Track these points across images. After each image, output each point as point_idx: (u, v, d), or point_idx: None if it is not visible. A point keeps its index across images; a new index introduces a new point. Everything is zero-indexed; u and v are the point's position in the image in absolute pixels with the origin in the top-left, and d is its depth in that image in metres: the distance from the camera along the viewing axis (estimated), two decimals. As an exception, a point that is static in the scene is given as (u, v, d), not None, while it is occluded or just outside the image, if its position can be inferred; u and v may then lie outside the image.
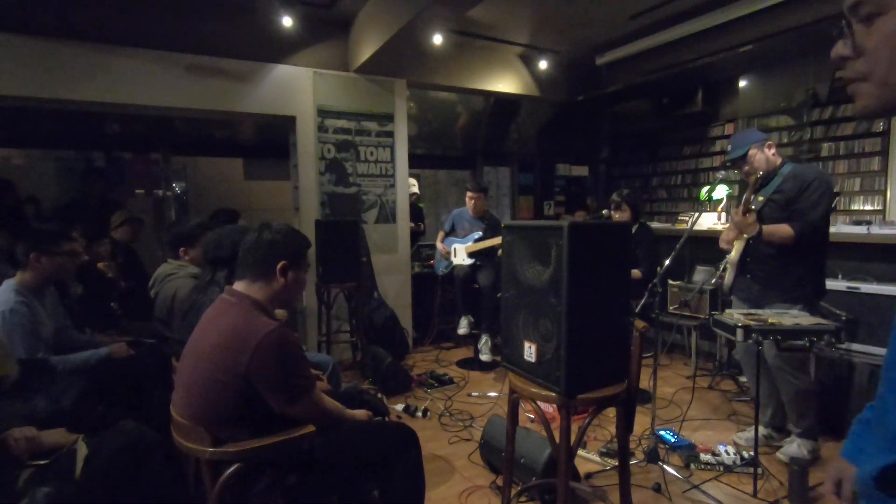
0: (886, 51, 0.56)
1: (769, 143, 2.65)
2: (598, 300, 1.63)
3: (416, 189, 5.60)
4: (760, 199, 2.63)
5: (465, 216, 4.45)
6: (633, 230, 3.54)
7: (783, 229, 2.50)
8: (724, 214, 5.15)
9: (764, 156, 2.64)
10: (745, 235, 2.61)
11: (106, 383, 2.32)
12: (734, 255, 2.71)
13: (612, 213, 3.62)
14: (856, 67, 0.59)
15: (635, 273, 3.48)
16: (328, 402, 1.73)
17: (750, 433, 2.82)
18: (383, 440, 1.79)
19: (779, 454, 2.64)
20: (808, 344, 2.22)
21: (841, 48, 0.60)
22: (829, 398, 2.85)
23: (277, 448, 1.53)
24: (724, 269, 2.81)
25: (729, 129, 5.50)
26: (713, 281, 2.91)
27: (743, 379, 3.77)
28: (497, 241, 4.03)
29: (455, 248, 4.36)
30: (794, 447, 2.60)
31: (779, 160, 2.65)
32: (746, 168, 2.68)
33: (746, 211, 2.57)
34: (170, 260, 2.77)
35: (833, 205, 2.56)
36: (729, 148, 2.77)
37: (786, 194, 2.54)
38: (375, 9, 3.88)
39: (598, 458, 2.68)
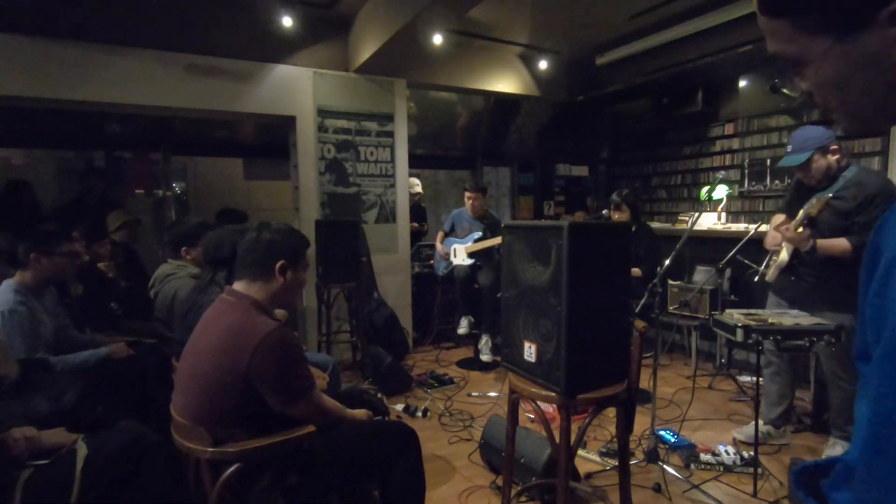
0: (833, 91, 0.58)
1: (834, 146, 2.40)
2: (597, 300, 1.63)
3: (419, 189, 5.60)
4: (815, 201, 2.42)
5: (465, 216, 4.44)
6: (633, 230, 3.54)
7: (840, 244, 2.33)
8: (724, 214, 5.15)
9: (826, 162, 2.40)
10: (799, 249, 2.46)
11: (106, 383, 2.32)
12: (784, 255, 2.58)
13: (612, 212, 3.62)
14: (818, 101, 0.60)
15: (635, 272, 3.48)
16: (328, 402, 1.73)
17: (749, 429, 2.84)
18: (383, 440, 1.79)
19: (822, 457, 2.60)
20: (807, 344, 2.22)
21: (801, 85, 0.61)
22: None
23: (277, 448, 1.53)
24: (767, 266, 2.71)
25: (729, 128, 5.50)
26: (756, 276, 2.80)
27: (744, 379, 3.77)
28: (497, 241, 4.03)
29: (455, 249, 4.36)
30: (838, 450, 2.58)
31: (843, 162, 2.44)
32: (804, 174, 2.47)
33: (800, 225, 2.42)
34: (170, 260, 2.77)
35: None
36: (788, 149, 2.50)
37: (847, 203, 2.37)
38: (375, 9, 3.88)
39: (598, 458, 2.68)
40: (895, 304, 0.47)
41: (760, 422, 2.83)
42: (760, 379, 2.61)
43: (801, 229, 2.42)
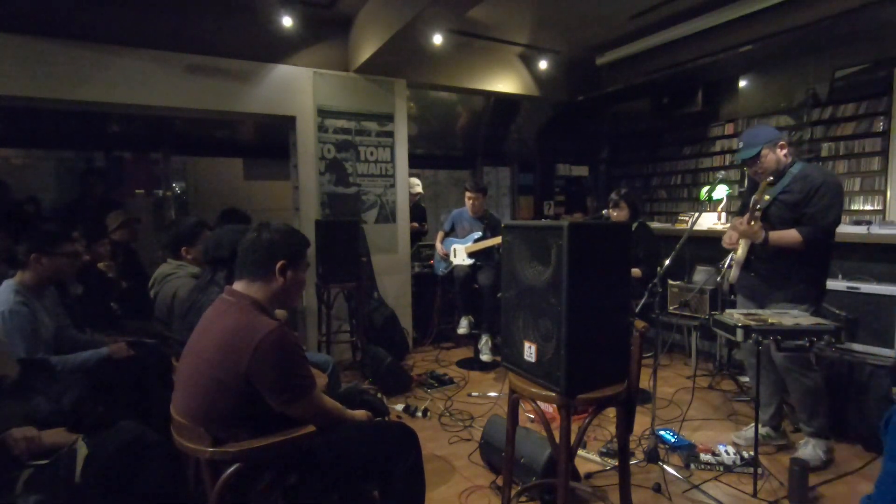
0: None
1: (781, 142, 2.59)
2: (597, 300, 1.63)
3: (419, 189, 5.61)
4: (767, 198, 2.58)
5: (465, 216, 4.44)
6: (633, 229, 3.54)
7: (791, 235, 2.47)
8: (724, 214, 5.15)
9: (775, 156, 2.57)
10: (752, 242, 2.58)
11: (106, 383, 2.32)
12: (740, 253, 2.69)
13: (611, 211, 3.62)
14: None
15: (635, 272, 3.48)
16: (328, 402, 1.73)
17: (748, 432, 2.83)
18: (383, 440, 1.79)
19: (795, 457, 2.59)
20: (807, 344, 2.22)
21: None
22: (829, 398, 2.85)
23: (277, 448, 1.53)
24: (729, 267, 2.80)
25: (729, 128, 5.51)
26: (718, 279, 2.89)
27: (744, 379, 3.77)
28: (497, 241, 4.03)
29: (455, 249, 4.36)
30: (809, 449, 2.59)
31: (789, 159, 2.60)
32: (755, 169, 2.63)
33: (752, 219, 2.53)
34: (169, 260, 2.77)
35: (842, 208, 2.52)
36: (740, 145, 2.69)
37: (794, 196, 2.51)
38: (375, 9, 3.88)
39: (598, 458, 2.68)
40: None
41: (760, 424, 2.85)
42: (745, 380, 2.61)
43: (753, 223, 2.52)
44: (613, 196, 3.63)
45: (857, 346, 2.97)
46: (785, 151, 2.59)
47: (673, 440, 2.80)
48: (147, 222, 5.21)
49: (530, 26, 4.56)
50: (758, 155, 2.58)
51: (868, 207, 4.56)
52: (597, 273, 1.62)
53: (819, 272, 2.58)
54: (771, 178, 2.57)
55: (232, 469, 1.49)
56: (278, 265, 1.64)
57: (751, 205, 2.58)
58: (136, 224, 3.95)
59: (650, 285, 2.65)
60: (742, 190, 2.99)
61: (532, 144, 6.67)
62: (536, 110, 6.50)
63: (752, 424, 2.82)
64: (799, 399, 2.60)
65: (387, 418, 2.17)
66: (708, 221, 4.85)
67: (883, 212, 4.45)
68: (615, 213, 3.59)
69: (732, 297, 3.98)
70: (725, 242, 2.77)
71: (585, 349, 1.61)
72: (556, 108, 6.42)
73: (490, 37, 4.72)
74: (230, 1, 3.85)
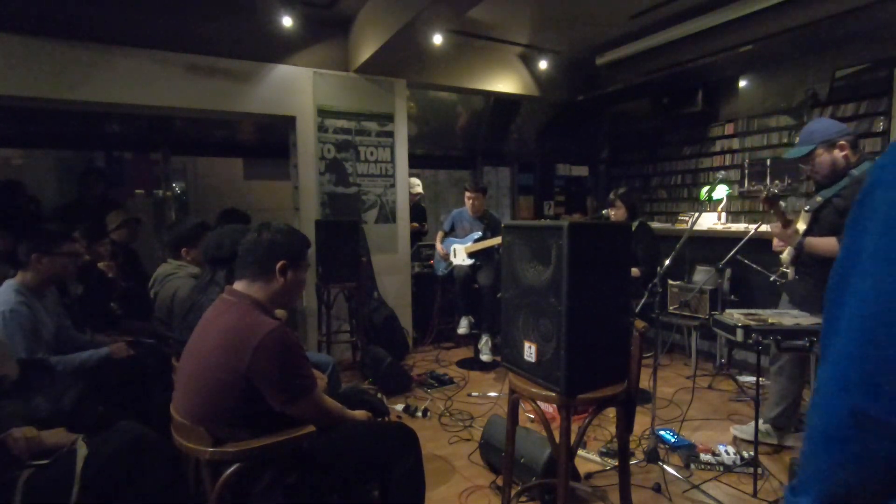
0: None
1: (842, 141, 2.33)
2: (597, 300, 1.63)
3: (419, 189, 5.61)
4: (819, 199, 2.40)
5: (465, 216, 4.44)
6: (633, 229, 3.55)
7: (828, 243, 2.28)
8: (724, 214, 5.15)
9: (831, 157, 2.33)
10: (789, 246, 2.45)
11: (106, 383, 2.33)
12: (785, 255, 2.58)
13: (609, 210, 3.64)
14: None
15: (634, 272, 3.48)
16: (328, 402, 1.73)
17: (748, 426, 2.84)
18: (383, 440, 1.79)
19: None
20: (808, 344, 2.22)
21: None
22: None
23: (277, 448, 1.53)
24: (787, 267, 2.70)
25: (729, 128, 5.50)
26: (772, 278, 2.79)
27: (744, 379, 3.77)
28: (497, 240, 4.03)
29: (455, 249, 4.36)
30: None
31: (853, 159, 2.34)
32: (809, 168, 2.40)
33: (786, 223, 2.40)
34: (169, 260, 2.77)
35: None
36: (797, 141, 2.46)
37: (845, 201, 2.30)
38: (375, 9, 3.88)
39: (598, 458, 2.68)
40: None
41: (760, 420, 2.85)
42: (761, 378, 2.60)
43: (788, 226, 2.41)
44: (611, 196, 3.66)
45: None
46: (845, 152, 2.34)
47: (673, 440, 2.80)
48: (147, 222, 5.21)
49: (530, 26, 4.56)
50: (811, 154, 2.36)
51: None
52: (597, 273, 1.62)
53: None
54: (773, 189, 2.41)
55: (232, 469, 1.49)
56: (279, 265, 1.64)
57: (774, 211, 2.41)
58: (136, 224, 3.95)
59: (650, 285, 2.65)
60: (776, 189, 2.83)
61: (532, 144, 6.67)
62: (536, 110, 6.50)
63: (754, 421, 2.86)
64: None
65: (387, 418, 2.17)
66: (708, 221, 4.85)
67: (883, 212, 4.43)
68: (613, 213, 3.62)
69: (733, 297, 4.00)
70: (774, 245, 2.64)
71: (585, 349, 1.61)
72: (556, 108, 6.42)
73: (490, 37, 4.72)
74: (230, 1, 3.85)
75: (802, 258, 2.48)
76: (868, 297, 0.50)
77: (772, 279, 2.77)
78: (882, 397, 0.47)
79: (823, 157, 2.35)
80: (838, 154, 2.34)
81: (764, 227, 2.84)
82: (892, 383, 0.47)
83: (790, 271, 2.63)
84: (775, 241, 2.63)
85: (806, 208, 2.45)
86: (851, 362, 0.50)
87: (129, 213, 3.97)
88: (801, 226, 2.49)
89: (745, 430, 2.86)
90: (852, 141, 2.35)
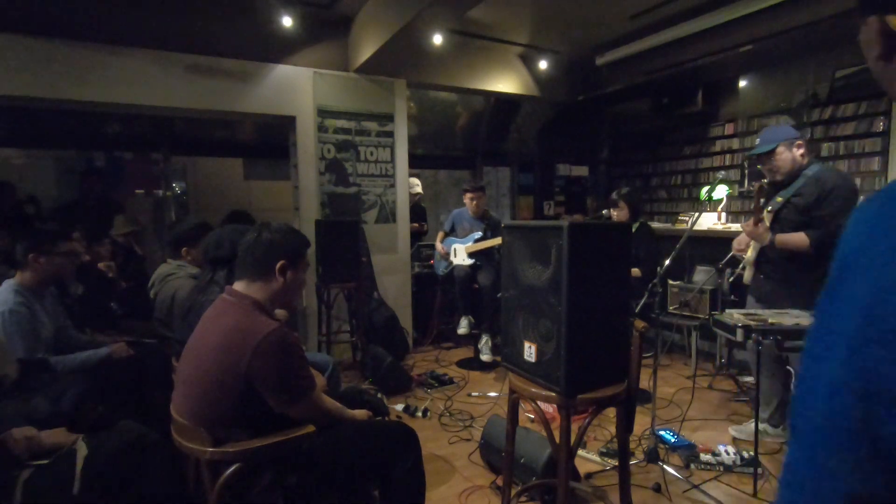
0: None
1: (799, 141, 2.54)
2: (597, 300, 1.63)
3: (419, 189, 5.61)
4: (779, 199, 2.55)
5: (465, 216, 4.44)
6: (634, 229, 3.55)
7: (798, 238, 2.42)
8: (724, 214, 5.15)
9: (791, 155, 2.52)
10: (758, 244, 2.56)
11: (106, 383, 2.32)
12: (751, 254, 2.68)
13: (611, 211, 3.64)
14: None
15: (634, 272, 3.48)
16: (328, 402, 1.73)
17: (746, 426, 2.85)
18: (383, 440, 1.79)
19: None
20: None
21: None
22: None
23: (277, 448, 1.53)
24: (744, 267, 2.80)
25: (729, 128, 5.50)
26: (728, 279, 2.88)
27: (744, 379, 3.77)
28: (497, 241, 4.03)
29: (455, 249, 4.36)
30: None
31: (806, 160, 2.55)
32: (769, 166, 2.58)
33: (758, 221, 2.52)
34: (169, 260, 2.77)
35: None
36: (757, 141, 2.64)
37: (805, 198, 2.47)
38: (375, 9, 3.88)
39: (598, 458, 2.68)
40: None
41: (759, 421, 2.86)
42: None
43: (759, 225, 2.50)
44: (613, 196, 3.65)
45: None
46: (802, 152, 2.53)
47: (673, 440, 2.80)
48: (147, 222, 5.22)
49: (530, 26, 4.56)
50: (773, 151, 2.53)
51: (868, 207, 4.56)
52: (597, 273, 1.62)
53: (825, 279, 2.57)
54: (765, 181, 2.56)
55: (232, 469, 1.49)
56: (278, 265, 1.64)
57: (754, 206, 2.56)
58: (141, 233, 3.97)
59: (650, 285, 2.65)
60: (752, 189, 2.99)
61: (532, 144, 6.67)
62: (536, 110, 6.50)
63: (752, 420, 2.85)
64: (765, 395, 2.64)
65: (387, 418, 2.17)
66: (708, 221, 4.85)
67: (883, 212, 4.44)
68: (615, 213, 3.61)
69: (733, 297, 4.00)
70: (734, 246, 2.76)
71: (585, 349, 1.61)
72: (556, 108, 6.42)
73: (490, 37, 4.72)
74: (230, 1, 3.85)
75: (768, 256, 2.60)
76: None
77: (731, 279, 2.86)
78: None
79: (784, 155, 2.52)
80: (797, 153, 2.53)
81: (721, 227, 2.93)
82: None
83: (747, 273, 2.76)
84: (736, 243, 2.75)
85: (768, 209, 2.56)
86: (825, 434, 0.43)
87: (137, 224, 3.98)
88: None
89: (743, 430, 2.86)
90: (806, 143, 2.58)
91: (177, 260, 2.75)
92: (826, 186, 2.42)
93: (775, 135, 2.57)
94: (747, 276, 2.76)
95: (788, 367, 2.73)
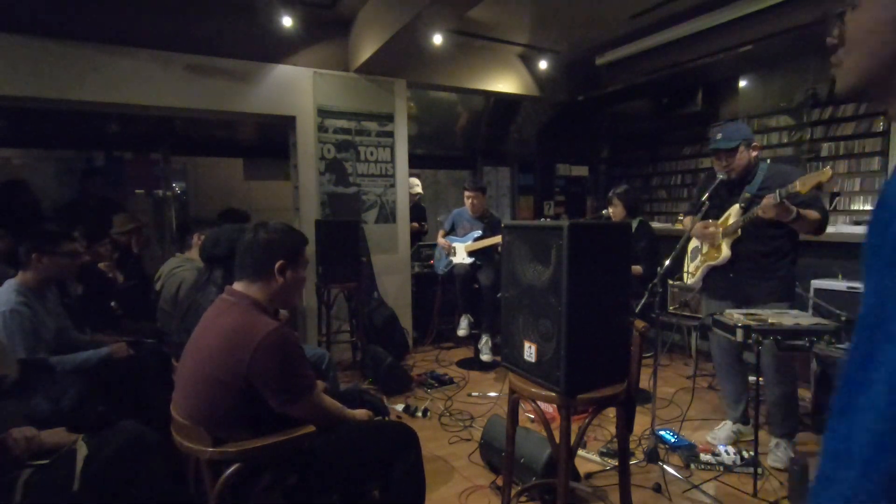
0: (852, 42, 0.62)
1: (755, 143, 2.66)
2: (598, 300, 1.63)
3: (419, 189, 5.61)
4: (747, 195, 2.61)
5: (465, 216, 4.44)
6: (634, 228, 3.56)
7: (813, 213, 2.46)
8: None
9: (748, 155, 2.62)
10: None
11: (106, 383, 2.32)
12: (725, 251, 2.70)
13: (608, 209, 3.67)
14: (837, 55, 0.65)
15: (636, 269, 3.49)
16: (328, 402, 1.73)
17: (721, 431, 2.88)
18: (383, 440, 1.79)
19: (772, 462, 2.58)
20: (808, 344, 2.22)
21: (832, 37, 0.66)
22: (828, 398, 2.84)
23: (277, 448, 1.53)
24: (690, 273, 2.89)
25: (729, 129, 5.50)
26: (677, 288, 2.96)
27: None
28: (497, 239, 4.03)
29: (455, 247, 4.36)
30: (780, 452, 2.59)
31: (755, 161, 2.67)
32: (727, 163, 2.64)
33: (776, 201, 2.51)
34: (176, 254, 2.78)
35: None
36: (718, 136, 2.67)
37: (775, 191, 2.49)
38: (375, 9, 3.88)
39: (598, 458, 2.68)
40: None
41: (730, 422, 2.89)
42: (761, 379, 2.60)
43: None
44: (609, 194, 3.68)
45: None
46: (756, 153, 2.66)
47: (673, 440, 2.80)
48: (147, 222, 5.22)
49: (530, 26, 4.56)
50: (735, 149, 2.61)
51: (868, 207, 4.56)
52: (597, 273, 1.62)
53: (794, 270, 2.64)
54: (723, 176, 2.63)
55: (232, 469, 1.49)
56: (277, 265, 1.63)
57: (698, 204, 2.64)
58: (142, 232, 3.97)
59: (650, 285, 2.65)
60: (697, 188, 3.05)
61: (532, 144, 6.67)
62: (536, 110, 6.50)
63: (724, 423, 2.91)
64: (777, 402, 2.62)
65: (387, 418, 2.17)
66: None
67: (883, 212, 4.43)
68: (610, 211, 3.65)
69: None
70: (704, 241, 2.82)
71: (585, 349, 1.61)
72: (556, 108, 6.42)
73: (490, 37, 4.72)
74: (230, 1, 3.85)
75: (749, 253, 2.63)
76: None
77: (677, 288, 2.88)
78: None
79: (743, 154, 2.62)
80: (752, 154, 2.64)
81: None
82: None
83: (695, 277, 2.87)
84: (707, 245, 2.81)
85: (741, 204, 2.61)
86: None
87: (137, 221, 3.97)
88: (732, 220, 2.69)
89: (717, 435, 2.86)
90: (759, 146, 2.72)
91: (184, 253, 2.76)
92: (793, 176, 2.46)
93: (737, 133, 2.64)
94: (696, 279, 2.86)
95: (748, 362, 2.77)
